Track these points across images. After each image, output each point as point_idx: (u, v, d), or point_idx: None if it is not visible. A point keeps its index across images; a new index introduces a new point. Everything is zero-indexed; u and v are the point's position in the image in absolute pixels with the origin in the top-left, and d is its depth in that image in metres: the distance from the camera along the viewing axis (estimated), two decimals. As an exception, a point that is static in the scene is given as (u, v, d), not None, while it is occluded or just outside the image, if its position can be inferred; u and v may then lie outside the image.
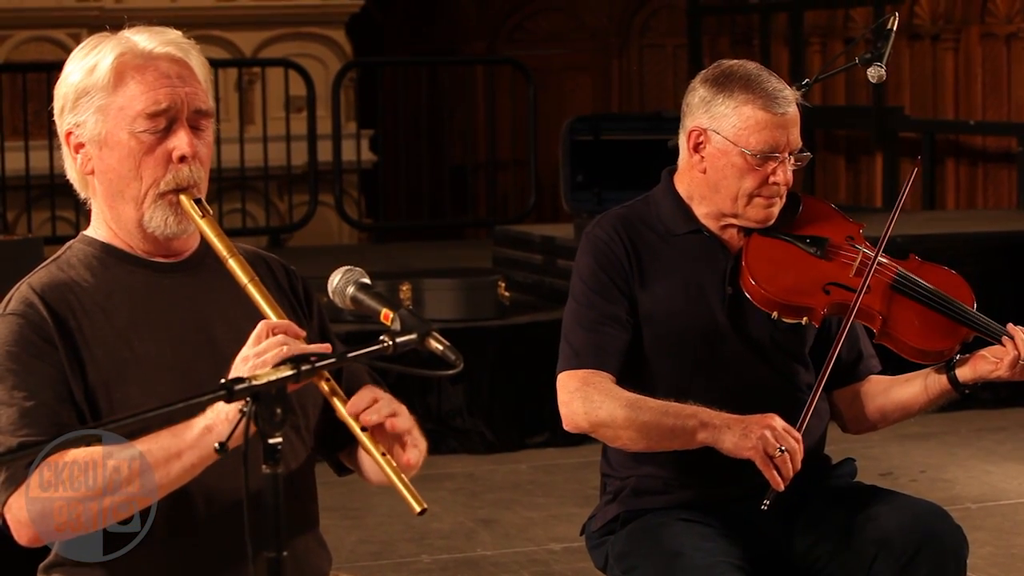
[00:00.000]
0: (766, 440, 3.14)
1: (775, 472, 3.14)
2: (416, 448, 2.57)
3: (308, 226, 9.94)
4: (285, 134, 9.83)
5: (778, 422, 3.17)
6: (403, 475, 2.44)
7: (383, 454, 2.46)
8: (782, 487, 3.14)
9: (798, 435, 3.17)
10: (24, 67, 9.71)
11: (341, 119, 10.04)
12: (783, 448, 3.13)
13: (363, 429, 2.49)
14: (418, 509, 2.39)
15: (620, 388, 3.28)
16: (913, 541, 3.19)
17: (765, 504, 3.17)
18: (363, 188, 11.09)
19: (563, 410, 3.31)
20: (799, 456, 3.15)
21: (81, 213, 9.01)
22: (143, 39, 2.69)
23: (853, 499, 3.36)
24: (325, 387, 2.49)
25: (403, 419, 2.55)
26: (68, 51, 10.26)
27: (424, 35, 12.45)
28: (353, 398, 2.52)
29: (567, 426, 3.32)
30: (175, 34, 2.72)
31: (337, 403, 2.50)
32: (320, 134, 9.82)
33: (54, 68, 10.26)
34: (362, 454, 2.75)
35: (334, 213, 10.28)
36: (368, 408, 2.51)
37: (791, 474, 3.14)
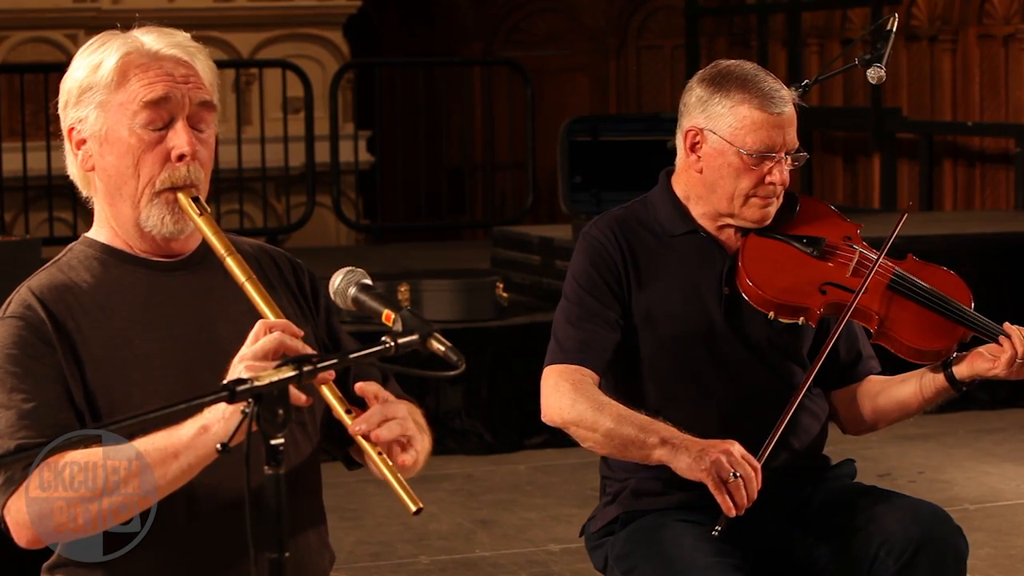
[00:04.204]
0: (720, 464, 3.11)
1: (727, 497, 3.11)
2: (413, 449, 2.55)
3: (306, 227, 9.93)
4: (283, 135, 9.83)
5: (736, 448, 3.14)
6: (399, 474, 2.43)
7: (379, 453, 2.46)
8: (734, 513, 3.12)
9: (756, 464, 3.14)
10: (21, 68, 9.70)
11: (339, 120, 10.04)
12: (737, 473, 3.11)
13: None
14: (413, 508, 2.39)
15: (597, 390, 3.29)
16: (913, 542, 3.19)
17: (716, 530, 3.15)
18: (361, 189, 11.08)
19: (543, 403, 3.35)
20: (755, 484, 3.12)
21: (79, 214, 9.02)
22: (151, 39, 2.68)
23: (853, 499, 3.36)
24: (326, 391, 2.49)
25: (390, 426, 2.50)
26: (66, 52, 10.26)
27: (421, 36, 12.45)
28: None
29: (545, 419, 3.35)
30: (183, 36, 2.71)
31: (335, 404, 2.49)
32: (318, 135, 9.82)
33: (51, 69, 10.25)
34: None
35: (332, 214, 10.27)
36: (362, 415, 2.51)
37: (745, 501, 3.11)
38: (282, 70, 9.94)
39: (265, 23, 10.97)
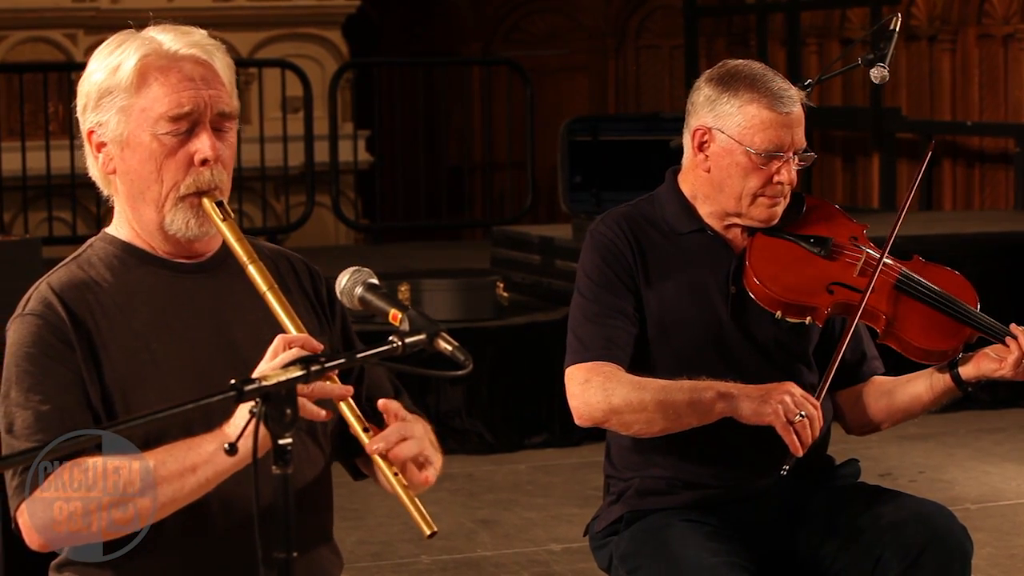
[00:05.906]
0: (786, 405, 3.15)
1: (795, 437, 3.15)
2: (431, 466, 2.58)
3: (305, 227, 9.93)
4: (282, 135, 9.82)
5: (796, 389, 3.19)
6: (415, 497, 2.44)
7: (395, 474, 2.47)
8: (801, 452, 3.16)
9: (816, 402, 3.19)
10: (20, 68, 9.69)
11: (338, 120, 10.03)
12: (803, 413, 3.14)
13: None
14: (428, 532, 2.41)
15: (629, 375, 3.27)
16: (918, 541, 3.20)
17: (784, 470, 3.20)
18: (360, 189, 11.08)
19: (574, 403, 3.30)
20: (818, 423, 3.17)
21: (78, 214, 9.01)
22: (168, 39, 2.66)
23: (858, 499, 3.36)
24: (344, 407, 2.50)
25: (409, 445, 2.53)
26: (65, 52, 10.17)
27: (421, 36, 12.45)
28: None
29: (579, 419, 3.30)
30: (200, 34, 2.70)
31: (353, 421, 2.50)
32: (317, 135, 9.81)
33: (50, 69, 10.19)
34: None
35: (331, 214, 10.27)
36: (380, 434, 2.52)
37: (810, 440, 3.16)
38: (281, 70, 9.94)
39: (264, 23, 10.96)
